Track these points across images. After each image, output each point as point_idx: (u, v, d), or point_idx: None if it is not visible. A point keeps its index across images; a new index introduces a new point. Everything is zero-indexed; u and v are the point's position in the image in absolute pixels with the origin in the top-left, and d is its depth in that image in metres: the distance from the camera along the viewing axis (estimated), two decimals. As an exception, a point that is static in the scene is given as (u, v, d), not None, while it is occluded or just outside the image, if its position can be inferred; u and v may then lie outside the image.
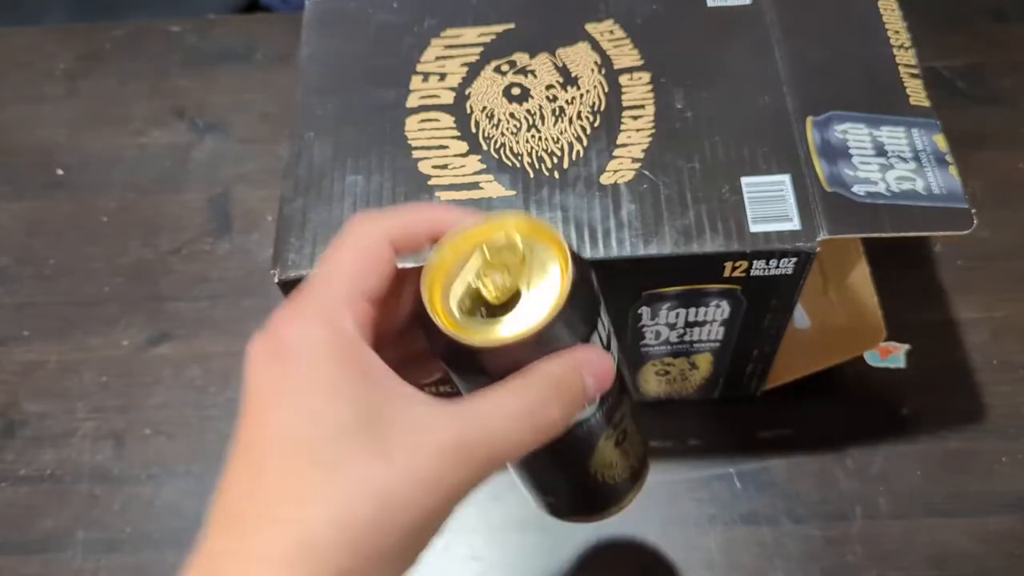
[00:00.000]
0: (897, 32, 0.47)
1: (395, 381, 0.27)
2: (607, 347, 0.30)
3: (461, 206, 0.30)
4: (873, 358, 0.55)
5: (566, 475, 0.35)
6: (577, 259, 0.28)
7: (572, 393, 0.27)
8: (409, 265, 0.29)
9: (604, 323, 0.30)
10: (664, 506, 0.51)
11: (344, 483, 0.24)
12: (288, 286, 0.40)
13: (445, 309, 0.28)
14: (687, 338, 0.46)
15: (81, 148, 0.67)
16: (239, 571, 0.24)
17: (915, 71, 0.46)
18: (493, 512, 0.52)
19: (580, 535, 0.51)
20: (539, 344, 0.27)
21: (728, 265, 0.41)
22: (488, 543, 0.51)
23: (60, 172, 0.66)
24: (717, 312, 0.44)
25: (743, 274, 0.41)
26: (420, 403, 0.26)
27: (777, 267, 0.41)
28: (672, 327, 0.45)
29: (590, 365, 0.28)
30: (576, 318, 0.28)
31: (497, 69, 0.46)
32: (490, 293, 0.27)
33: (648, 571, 0.50)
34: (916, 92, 0.45)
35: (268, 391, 0.26)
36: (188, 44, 0.72)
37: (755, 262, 0.40)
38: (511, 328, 0.27)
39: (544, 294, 0.27)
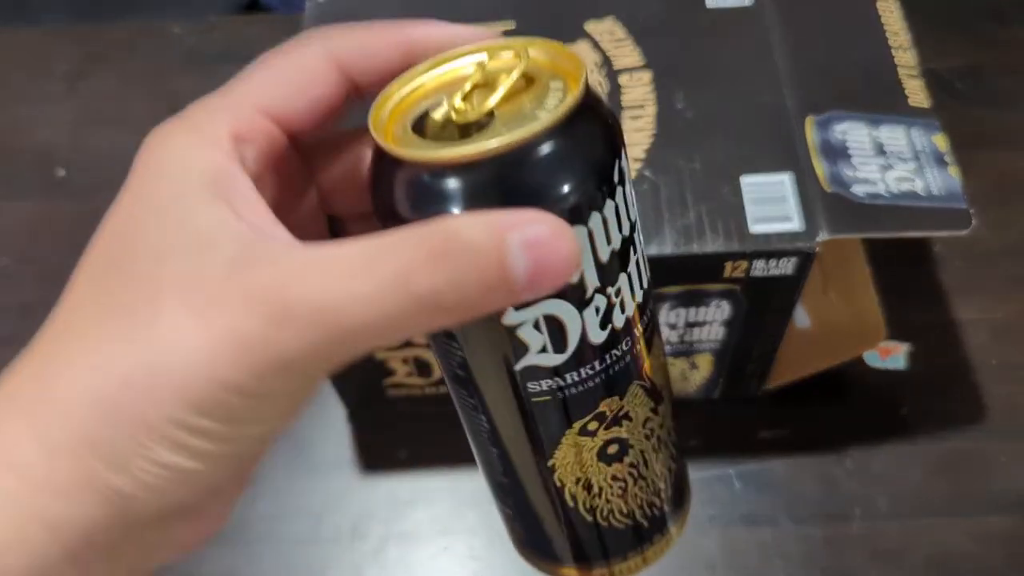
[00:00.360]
0: (896, 33, 0.47)
1: (253, 211, 0.20)
2: (620, 270, 0.22)
3: (466, 25, 0.23)
4: (873, 358, 0.55)
5: (512, 469, 0.26)
6: (591, 99, 0.20)
7: (477, 261, 0.17)
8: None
9: (614, 223, 0.21)
10: (664, 506, 0.51)
11: (111, 328, 0.19)
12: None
13: (395, 121, 0.21)
14: (687, 338, 0.46)
15: (82, 148, 0.67)
16: None
17: (914, 72, 0.46)
18: (493, 512, 0.51)
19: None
20: (475, 184, 0.19)
21: (728, 265, 0.41)
22: (487, 544, 0.51)
23: (61, 173, 0.66)
24: (717, 312, 0.44)
25: (743, 274, 0.41)
26: (263, 238, 0.19)
27: (777, 267, 0.41)
28: (672, 327, 0.45)
29: (527, 230, 0.18)
30: (553, 169, 0.19)
31: (497, 69, 0.46)
32: (459, 110, 0.21)
33: (647, 571, 0.50)
34: (915, 93, 0.45)
35: (112, 207, 0.21)
36: (188, 45, 0.72)
37: (755, 262, 0.40)
38: (450, 150, 0.19)
39: (520, 125, 0.19)
